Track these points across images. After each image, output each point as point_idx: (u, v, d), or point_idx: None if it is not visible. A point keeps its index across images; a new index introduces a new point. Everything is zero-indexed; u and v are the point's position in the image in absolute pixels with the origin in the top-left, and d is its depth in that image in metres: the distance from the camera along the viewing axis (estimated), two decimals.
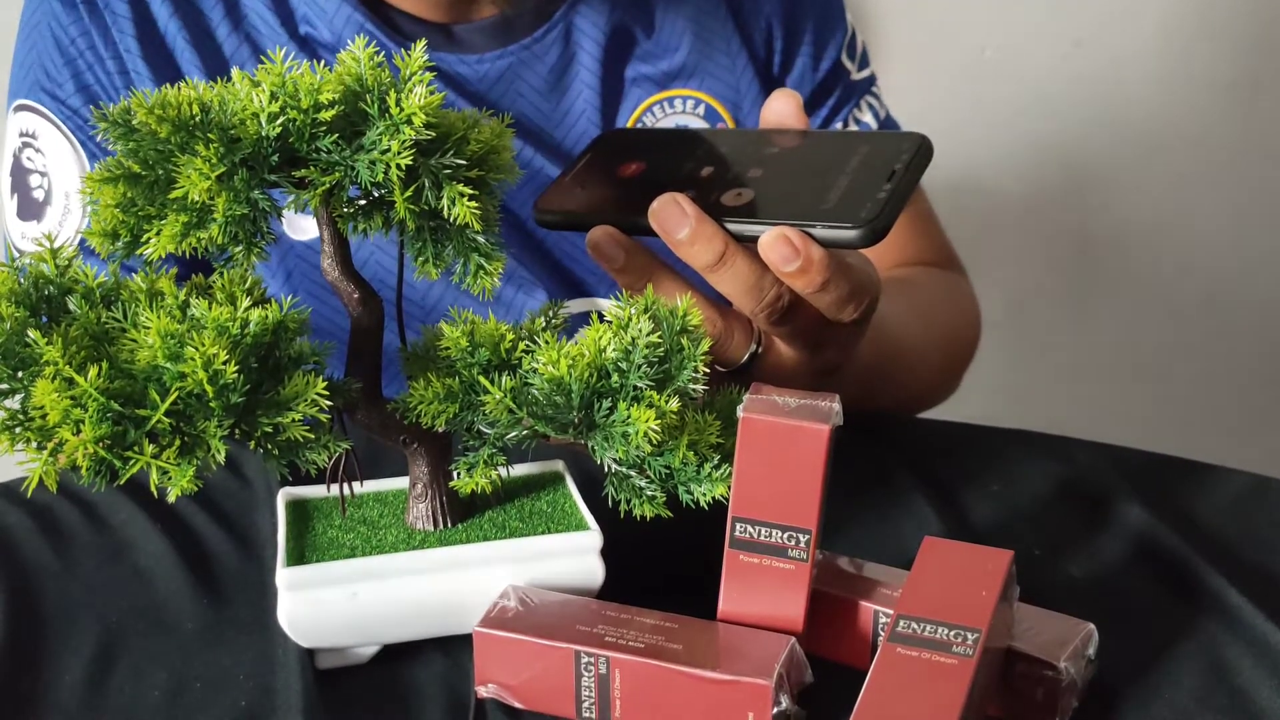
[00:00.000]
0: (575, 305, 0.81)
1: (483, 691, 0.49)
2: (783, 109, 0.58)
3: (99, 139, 0.47)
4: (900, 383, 0.79)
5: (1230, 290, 1.69)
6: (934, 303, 0.89)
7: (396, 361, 0.53)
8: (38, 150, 0.77)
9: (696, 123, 0.83)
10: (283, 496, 0.56)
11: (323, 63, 0.46)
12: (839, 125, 0.88)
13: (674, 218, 0.53)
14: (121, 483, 0.43)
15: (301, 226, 0.77)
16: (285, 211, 0.46)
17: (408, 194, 0.46)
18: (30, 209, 0.78)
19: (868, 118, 0.89)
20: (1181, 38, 1.56)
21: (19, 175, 0.78)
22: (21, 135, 0.78)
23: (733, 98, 0.83)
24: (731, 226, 0.53)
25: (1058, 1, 1.54)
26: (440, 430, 0.50)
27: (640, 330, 0.47)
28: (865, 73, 0.90)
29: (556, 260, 0.80)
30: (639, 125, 0.81)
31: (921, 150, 0.54)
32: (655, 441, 0.46)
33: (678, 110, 0.82)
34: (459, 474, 0.50)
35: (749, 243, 0.53)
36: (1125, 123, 1.60)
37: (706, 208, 0.54)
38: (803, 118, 0.58)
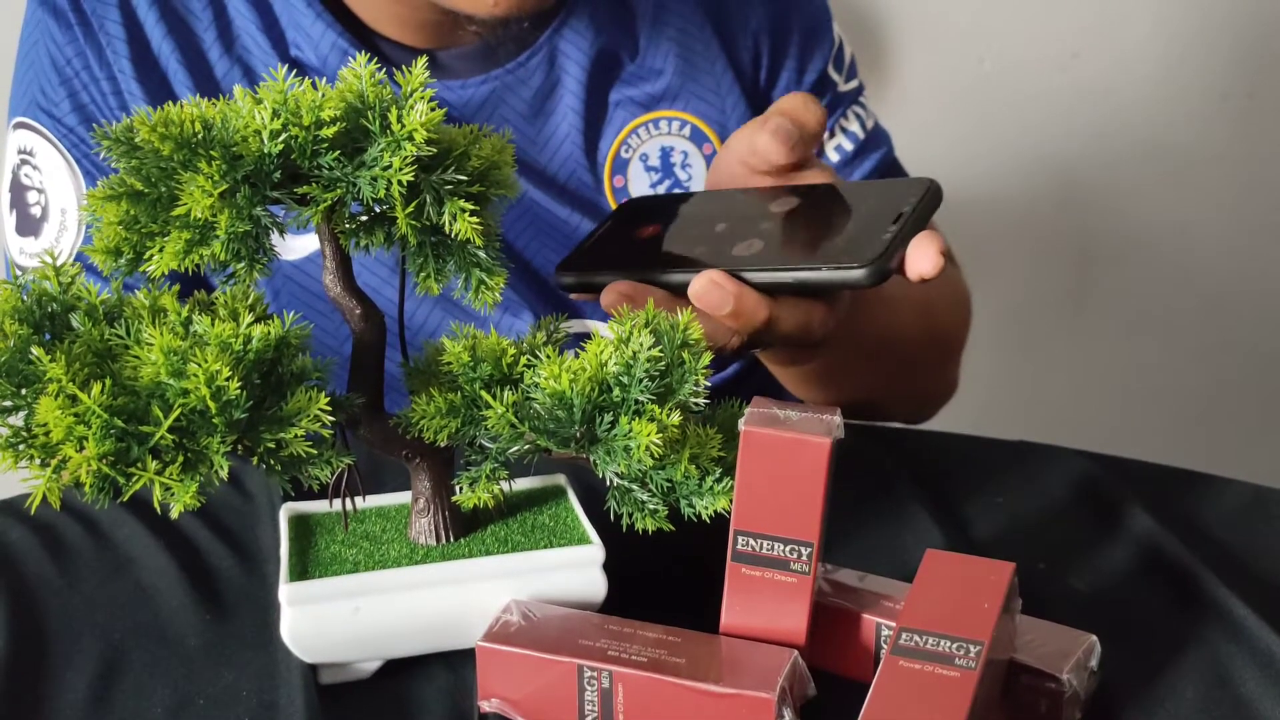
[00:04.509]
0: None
1: (486, 706, 0.49)
2: (793, 105, 0.60)
3: (100, 157, 0.47)
4: (893, 368, 0.80)
5: (1230, 299, 1.69)
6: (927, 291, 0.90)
7: (394, 380, 0.53)
8: (35, 167, 0.78)
9: (682, 143, 0.83)
10: (285, 511, 0.56)
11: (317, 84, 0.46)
12: (825, 134, 0.88)
13: (714, 297, 0.54)
14: (124, 499, 0.43)
15: (288, 245, 0.77)
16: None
17: (409, 210, 0.46)
18: (28, 225, 0.78)
19: (854, 127, 0.89)
20: (1178, 49, 1.57)
21: (17, 192, 0.79)
22: (20, 152, 0.79)
23: (719, 118, 0.83)
24: (743, 277, 0.55)
25: (1055, 14, 1.54)
26: (442, 445, 0.50)
27: (641, 344, 0.47)
28: (852, 83, 0.90)
29: (544, 282, 0.81)
30: (625, 148, 0.81)
31: (929, 193, 0.56)
32: (657, 455, 0.46)
33: (663, 132, 0.82)
34: (461, 488, 0.50)
35: (761, 290, 0.55)
36: (1123, 133, 1.60)
37: (719, 261, 0.55)
38: (812, 113, 0.59)
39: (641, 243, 0.62)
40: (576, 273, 0.60)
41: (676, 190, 0.83)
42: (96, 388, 0.42)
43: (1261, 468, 1.00)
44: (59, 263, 0.48)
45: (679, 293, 0.56)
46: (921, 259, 0.53)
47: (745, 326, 0.54)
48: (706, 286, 0.54)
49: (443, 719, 0.50)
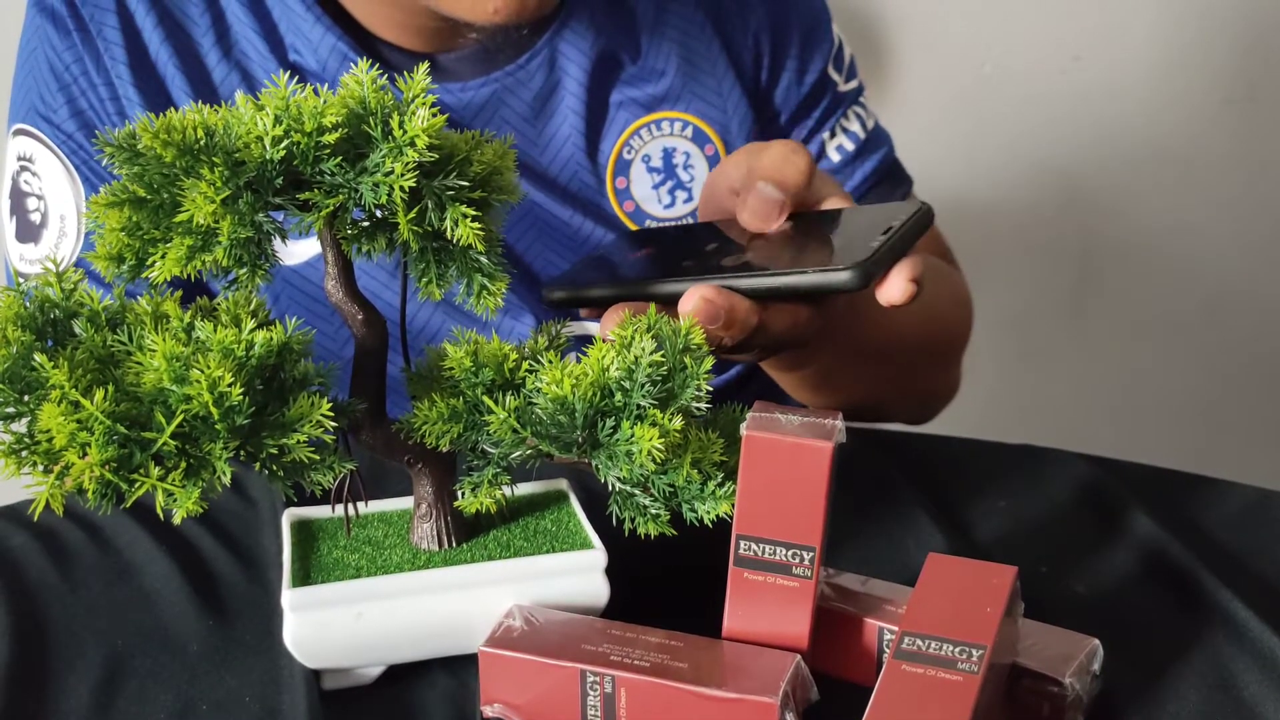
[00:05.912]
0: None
1: (488, 711, 0.49)
2: (773, 164, 0.59)
3: (102, 163, 0.47)
4: (898, 365, 0.80)
5: (1231, 302, 1.69)
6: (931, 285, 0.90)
7: (395, 384, 0.53)
8: (34, 174, 0.78)
9: (684, 144, 0.83)
10: (288, 517, 0.56)
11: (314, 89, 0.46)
12: (825, 134, 0.88)
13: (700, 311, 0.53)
14: (127, 505, 0.43)
15: (288, 250, 0.77)
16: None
17: (411, 215, 0.46)
18: (28, 231, 0.78)
19: (855, 127, 0.89)
20: (1179, 51, 1.57)
21: (17, 198, 0.79)
22: (19, 159, 0.79)
23: (721, 119, 0.83)
24: (726, 283, 0.54)
25: (1056, 18, 1.55)
26: (444, 450, 0.51)
27: (643, 349, 0.47)
28: (853, 84, 0.90)
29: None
30: (627, 150, 0.82)
31: (920, 213, 0.56)
32: (659, 460, 0.46)
33: (665, 132, 0.82)
34: (463, 494, 0.50)
35: (750, 297, 0.54)
36: (1124, 136, 1.60)
37: (708, 271, 0.55)
38: (794, 166, 0.59)
39: (631, 261, 0.63)
40: (565, 288, 0.60)
41: (679, 191, 0.83)
42: (99, 394, 0.42)
43: (1263, 471, 0.99)
44: (67, 269, 0.48)
45: (670, 304, 0.55)
46: (891, 286, 0.53)
47: (737, 335, 0.54)
48: (698, 304, 0.52)
49: None
